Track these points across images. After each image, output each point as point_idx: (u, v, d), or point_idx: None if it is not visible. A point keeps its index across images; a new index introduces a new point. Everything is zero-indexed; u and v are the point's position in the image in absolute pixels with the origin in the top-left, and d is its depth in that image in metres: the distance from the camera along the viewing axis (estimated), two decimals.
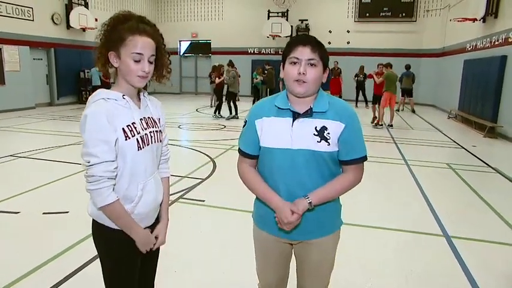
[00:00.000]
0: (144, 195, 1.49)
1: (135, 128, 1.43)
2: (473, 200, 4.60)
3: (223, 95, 11.52)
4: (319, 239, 1.58)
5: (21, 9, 12.06)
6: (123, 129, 1.39)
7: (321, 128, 1.45)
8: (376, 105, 10.61)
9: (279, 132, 1.49)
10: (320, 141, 1.45)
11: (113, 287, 1.55)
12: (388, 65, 10.32)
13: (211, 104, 14.60)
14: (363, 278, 2.79)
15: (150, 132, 1.50)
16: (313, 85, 1.45)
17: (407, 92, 13.90)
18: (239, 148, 1.64)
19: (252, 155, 1.60)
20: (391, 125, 10.20)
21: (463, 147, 7.76)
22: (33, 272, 2.74)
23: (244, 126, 1.61)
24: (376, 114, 10.56)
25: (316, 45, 1.44)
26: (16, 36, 11.88)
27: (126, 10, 1.46)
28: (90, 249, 2.98)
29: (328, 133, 1.45)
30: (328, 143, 1.45)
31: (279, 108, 1.51)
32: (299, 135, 1.46)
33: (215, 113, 11.26)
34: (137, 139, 1.43)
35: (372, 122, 10.56)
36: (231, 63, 12.16)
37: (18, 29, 11.94)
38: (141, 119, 1.48)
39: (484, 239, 3.48)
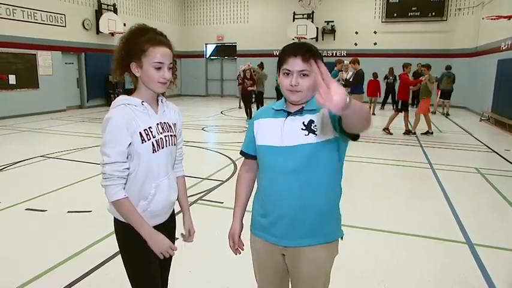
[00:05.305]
0: (157, 194, 1.59)
1: (151, 132, 1.54)
2: (502, 206, 4.39)
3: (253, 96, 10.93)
4: (311, 248, 1.51)
5: (55, 16, 12.60)
6: (140, 133, 1.50)
7: (308, 121, 1.46)
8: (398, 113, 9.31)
9: (271, 131, 1.54)
10: (308, 134, 1.46)
11: (134, 277, 1.64)
12: (429, 67, 9.22)
13: (240, 105, 14.67)
14: (377, 283, 2.72)
15: (165, 136, 1.60)
16: (308, 92, 1.47)
17: (446, 94, 13.17)
18: (241, 149, 1.73)
19: (250, 154, 1.69)
20: (432, 132, 9.14)
21: (495, 151, 7.42)
22: (57, 267, 2.85)
23: None
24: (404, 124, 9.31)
25: (307, 54, 1.41)
26: (49, 42, 12.40)
27: (142, 23, 1.57)
28: (110, 246, 3.08)
29: (315, 125, 1.46)
30: (316, 134, 1.46)
31: (276, 110, 1.57)
32: (289, 132, 1.49)
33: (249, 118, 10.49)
34: (152, 142, 1.54)
35: (407, 133, 9.21)
36: (261, 66, 11.62)
37: (51, 35, 12.47)
38: (157, 124, 1.58)
39: (511, 248, 3.31)
